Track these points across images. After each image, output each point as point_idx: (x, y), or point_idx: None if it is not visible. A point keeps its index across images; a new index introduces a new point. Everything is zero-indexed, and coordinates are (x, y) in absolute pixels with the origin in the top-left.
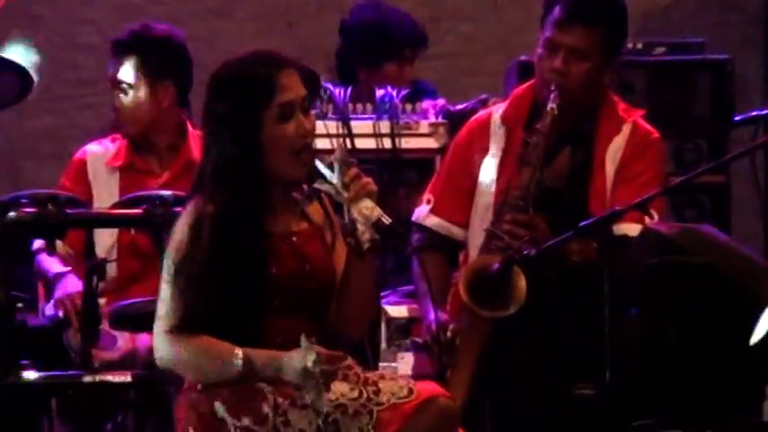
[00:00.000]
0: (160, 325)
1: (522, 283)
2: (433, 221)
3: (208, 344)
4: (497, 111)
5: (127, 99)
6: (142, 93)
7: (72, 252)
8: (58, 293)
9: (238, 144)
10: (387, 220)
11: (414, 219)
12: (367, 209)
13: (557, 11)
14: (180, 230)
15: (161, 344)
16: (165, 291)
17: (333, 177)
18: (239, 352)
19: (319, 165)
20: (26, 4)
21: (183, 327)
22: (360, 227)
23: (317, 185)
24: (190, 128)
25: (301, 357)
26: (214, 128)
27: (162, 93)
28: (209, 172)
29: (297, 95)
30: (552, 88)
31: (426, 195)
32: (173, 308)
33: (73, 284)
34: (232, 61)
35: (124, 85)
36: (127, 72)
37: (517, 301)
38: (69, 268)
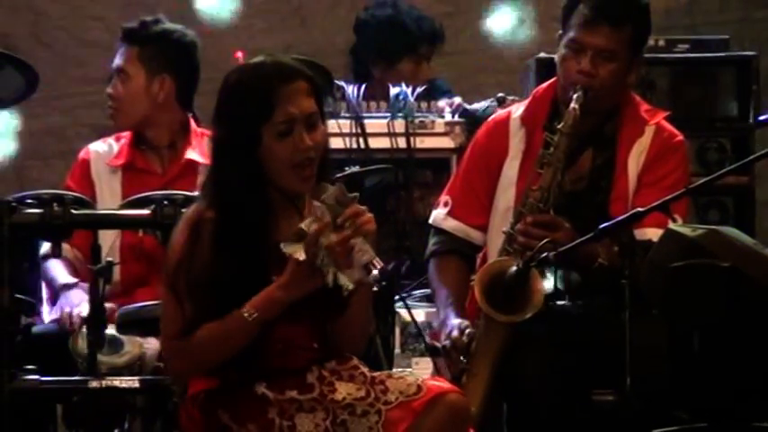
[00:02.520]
0: (164, 336)
1: (539, 286)
2: (451, 224)
3: (211, 329)
4: (516, 111)
5: (122, 88)
6: (138, 83)
7: (80, 255)
8: (61, 306)
9: (238, 154)
10: (378, 263)
11: (431, 222)
12: (358, 251)
13: (581, 11)
14: (179, 237)
15: (168, 355)
16: (166, 300)
17: (322, 216)
18: (245, 311)
19: (316, 204)
20: (33, 1)
21: (185, 335)
22: (340, 274)
23: (302, 226)
24: (194, 126)
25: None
26: (219, 133)
27: (158, 87)
28: (211, 176)
29: (300, 111)
30: (577, 89)
31: (443, 197)
32: (174, 317)
33: (78, 297)
34: (243, 69)
35: (122, 74)
36: (127, 60)
37: (534, 305)
38: (77, 280)
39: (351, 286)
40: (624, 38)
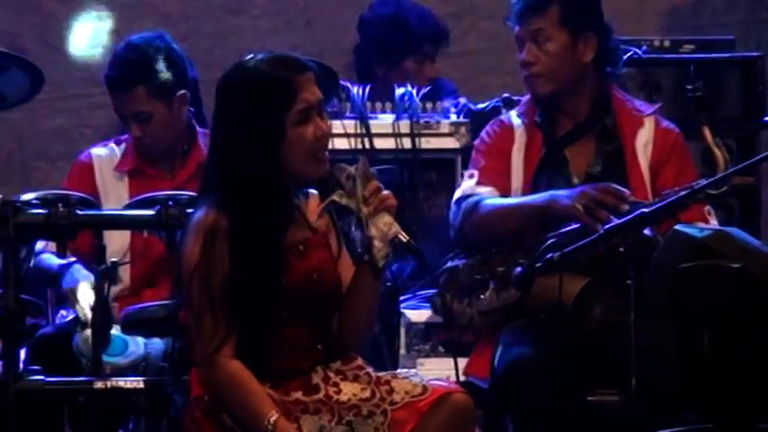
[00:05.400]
0: (200, 351)
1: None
2: (484, 189)
3: (244, 390)
4: (515, 111)
5: (149, 127)
6: (162, 114)
7: (75, 259)
8: (67, 284)
9: (260, 150)
10: (404, 237)
11: (460, 194)
12: (385, 225)
13: (512, 12)
14: (193, 247)
15: (204, 371)
16: (198, 315)
17: (354, 191)
18: (272, 418)
19: (339, 177)
20: (39, 1)
21: (220, 347)
22: (376, 243)
23: (335, 198)
24: (197, 127)
25: None
26: (231, 132)
27: (177, 104)
28: (221, 179)
29: (315, 98)
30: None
31: (468, 172)
32: (201, 333)
33: (81, 274)
34: (247, 63)
35: (143, 116)
36: (142, 102)
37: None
38: (74, 258)
39: (382, 262)
40: (553, 18)
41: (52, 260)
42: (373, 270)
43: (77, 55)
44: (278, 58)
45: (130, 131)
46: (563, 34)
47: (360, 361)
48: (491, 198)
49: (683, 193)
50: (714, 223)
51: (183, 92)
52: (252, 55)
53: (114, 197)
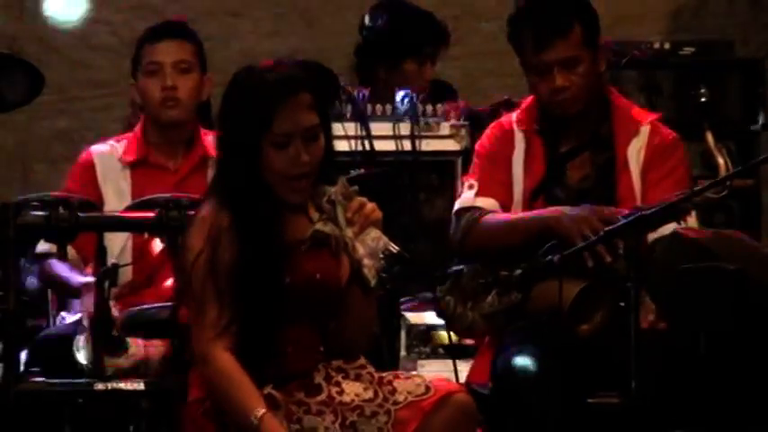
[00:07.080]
0: (195, 339)
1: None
2: (483, 202)
3: (235, 384)
4: (513, 116)
5: (186, 79)
6: (196, 77)
7: (77, 257)
8: (87, 306)
9: (240, 159)
10: (394, 248)
11: (459, 206)
12: (373, 240)
13: (528, 35)
14: (196, 240)
15: (201, 361)
16: (191, 305)
17: (336, 216)
18: (258, 413)
19: (319, 202)
20: (41, 4)
21: (212, 340)
22: (366, 262)
23: (318, 228)
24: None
25: None
26: (223, 136)
27: (207, 82)
28: (220, 176)
29: (298, 126)
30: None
31: (467, 183)
32: (202, 322)
33: None
34: (248, 76)
35: (185, 65)
36: (188, 54)
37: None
38: (94, 279)
39: (374, 281)
40: (577, 39)
41: (74, 279)
42: (365, 290)
43: None
44: (274, 77)
45: (155, 91)
46: (588, 53)
47: (362, 360)
48: (492, 212)
49: (682, 196)
50: (693, 224)
51: (209, 75)
52: (256, 65)
53: (116, 190)
